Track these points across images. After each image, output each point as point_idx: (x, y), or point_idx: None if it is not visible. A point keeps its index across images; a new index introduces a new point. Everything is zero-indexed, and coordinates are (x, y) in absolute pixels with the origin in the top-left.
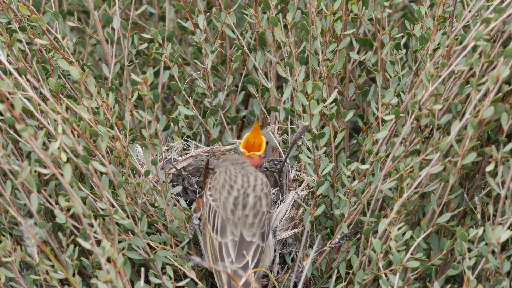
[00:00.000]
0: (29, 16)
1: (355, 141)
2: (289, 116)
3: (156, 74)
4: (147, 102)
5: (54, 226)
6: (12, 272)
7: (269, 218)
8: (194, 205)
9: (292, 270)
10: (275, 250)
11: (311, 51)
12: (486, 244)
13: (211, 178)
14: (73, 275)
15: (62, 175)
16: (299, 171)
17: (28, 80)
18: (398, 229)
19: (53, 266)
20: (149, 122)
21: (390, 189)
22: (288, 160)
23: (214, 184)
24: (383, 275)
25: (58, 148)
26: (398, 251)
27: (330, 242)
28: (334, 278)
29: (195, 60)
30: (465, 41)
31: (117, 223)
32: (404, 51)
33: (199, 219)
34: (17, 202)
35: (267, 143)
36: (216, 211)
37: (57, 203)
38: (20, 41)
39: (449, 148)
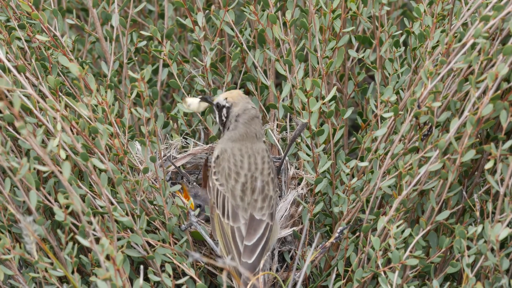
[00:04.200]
0: (29, 13)
1: (354, 138)
2: (288, 114)
3: (155, 72)
4: (144, 99)
5: (53, 224)
6: (11, 269)
7: (275, 199)
8: (189, 203)
9: (292, 268)
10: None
11: (310, 48)
12: (485, 241)
13: (215, 162)
14: (72, 272)
15: (61, 172)
16: (298, 169)
17: (27, 78)
18: (397, 226)
19: (52, 264)
20: (148, 119)
21: (389, 186)
22: (287, 158)
23: (219, 170)
24: (382, 273)
25: (57, 145)
26: (397, 248)
27: (330, 239)
28: (333, 275)
29: (194, 58)
30: (464, 38)
31: (116, 221)
32: (403, 48)
33: (197, 215)
34: (16, 199)
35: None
36: (225, 196)
37: (56, 200)
38: (19, 39)
39: (448, 145)
